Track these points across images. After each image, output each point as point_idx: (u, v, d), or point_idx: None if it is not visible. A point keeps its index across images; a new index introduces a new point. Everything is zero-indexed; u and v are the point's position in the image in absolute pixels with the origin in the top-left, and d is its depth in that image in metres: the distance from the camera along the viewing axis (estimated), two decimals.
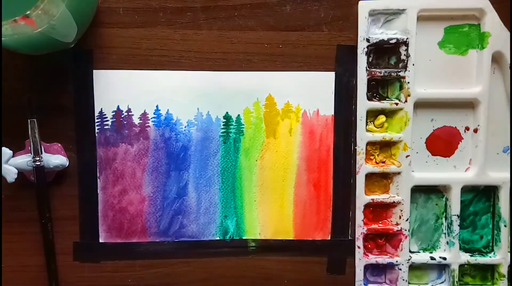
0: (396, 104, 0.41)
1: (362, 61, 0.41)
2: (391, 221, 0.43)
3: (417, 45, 0.41)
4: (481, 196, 0.44)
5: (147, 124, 0.41)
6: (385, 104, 0.41)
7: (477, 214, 0.44)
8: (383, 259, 0.43)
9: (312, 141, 0.42)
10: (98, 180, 0.42)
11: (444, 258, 0.43)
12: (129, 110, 0.41)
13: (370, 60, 0.42)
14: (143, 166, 0.42)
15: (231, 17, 0.41)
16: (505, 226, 0.43)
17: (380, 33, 0.41)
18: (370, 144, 0.42)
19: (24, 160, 0.39)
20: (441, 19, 0.41)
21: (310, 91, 0.42)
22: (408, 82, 0.41)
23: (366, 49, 0.41)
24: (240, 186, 0.43)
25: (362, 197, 0.42)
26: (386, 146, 0.43)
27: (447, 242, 0.43)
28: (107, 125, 0.41)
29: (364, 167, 0.42)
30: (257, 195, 0.43)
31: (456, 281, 0.43)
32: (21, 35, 0.30)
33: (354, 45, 0.41)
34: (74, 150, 0.41)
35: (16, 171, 0.38)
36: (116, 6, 0.40)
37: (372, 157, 0.43)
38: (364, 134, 0.42)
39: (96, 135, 0.41)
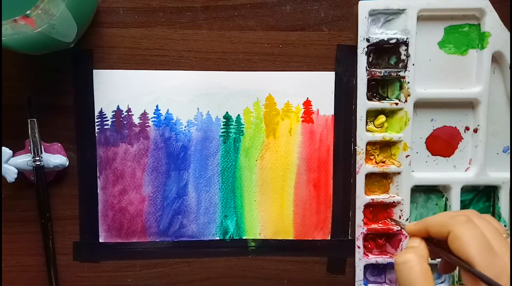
0: (396, 104, 0.41)
1: (362, 61, 0.41)
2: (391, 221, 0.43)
3: (417, 45, 0.41)
4: (481, 196, 0.44)
5: (147, 124, 0.41)
6: (385, 104, 0.41)
7: None
8: (383, 259, 0.43)
9: (312, 141, 0.42)
10: (98, 180, 0.42)
11: None
12: (129, 110, 0.41)
13: (370, 60, 0.42)
14: (143, 166, 0.42)
15: (231, 17, 0.41)
16: (505, 226, 0.43)
17: (380, 33, 0.41)
18: (370, 144, 0.42)
19: (24, 160, 0.39)
20: (441, 19, 0.41)
21: (310, 91, 0.42)
22: (408, 82, 0.41)
23: (366, 49, 0.41)
24: (240, 186, 0.43)
25: (362, 197, 0.42)
26: (386, 146, 0.43)
27: None
28: (107, 125, 0.41)
29: (364, 167, 0.42)
30: (257, 195, 0.43)
31: (456, 281, 0.43)
32: (21, 35, 0.30)
33: (354, 45, 0.41)
34: (74, 150, 0.41)
35: (16, 171, 0.38)
36: (116, 6, 0.40)
37: (372, 157, 0.43)
38: (364, 134, 0.42)
39: (96, 135, 0.41)
